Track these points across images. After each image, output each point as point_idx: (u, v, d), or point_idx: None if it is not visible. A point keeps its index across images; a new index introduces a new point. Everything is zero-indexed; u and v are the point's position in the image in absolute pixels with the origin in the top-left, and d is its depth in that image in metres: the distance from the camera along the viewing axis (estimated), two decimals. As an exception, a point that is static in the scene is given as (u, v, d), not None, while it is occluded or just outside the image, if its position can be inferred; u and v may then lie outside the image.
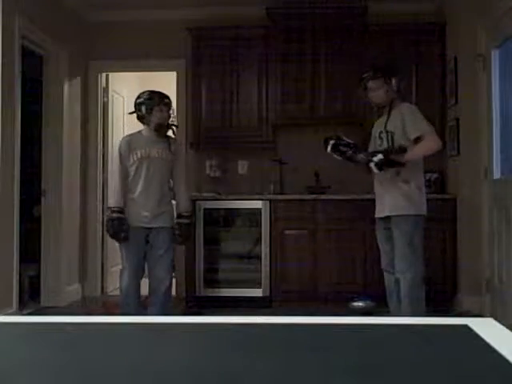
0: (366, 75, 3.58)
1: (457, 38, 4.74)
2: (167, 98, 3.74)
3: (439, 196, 4.83)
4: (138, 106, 3.71)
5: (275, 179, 5.29)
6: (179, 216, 3.78)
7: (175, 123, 3.80)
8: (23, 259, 4.52)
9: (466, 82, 4.58)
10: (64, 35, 5.08)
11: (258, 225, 4.80)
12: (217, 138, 5.20)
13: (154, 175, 3.66)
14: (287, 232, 4.79)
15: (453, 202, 4.71)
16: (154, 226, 3.68)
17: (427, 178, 5.01)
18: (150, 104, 3.66)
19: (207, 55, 5.20)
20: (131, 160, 3.65)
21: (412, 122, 3.40)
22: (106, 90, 5.76)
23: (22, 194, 4.42)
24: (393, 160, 3.37)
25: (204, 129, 5.18)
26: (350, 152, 3.50)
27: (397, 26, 5.06)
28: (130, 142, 3.71)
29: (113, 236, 3.65)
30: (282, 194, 5.14)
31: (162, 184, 3.71)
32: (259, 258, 4.79)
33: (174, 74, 5.57)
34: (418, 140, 3.40)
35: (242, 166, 5.45)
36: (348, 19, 5.05)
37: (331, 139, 3.56)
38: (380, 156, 3.36)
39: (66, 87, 5.09)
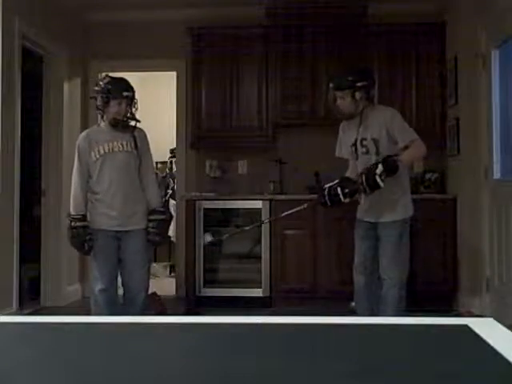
0: (330, 85, 3.44)
1: (457, 38, 4.74)
2: (129, 89, 3.25)
3: (439, 196, 4.83)
4: (95, 93, 3.28)
5: (275, 179, 5.28)
6: (152, 212, 3.34)
7: (137, 118, 3.30)
8: (23, 259, 4.52)
9: (465, 82, 4.58)
10: (64, 35, 5.08)
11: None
12: (217, 138, 5.20)
13: (120, 171, 3.26)
14: (287, 232, 4.79)
15: (453, 202, 4.71)
16: (125, 229, 3.28)
17: (427, 177, 5.01)
18: (108, 95, 3.21)
19: (207, 55, 5.20)
20: (93, 157, 3.25)
21: (400, 130, 3.33)
22: (105, 90, 5.75)
23: (22, 193, 4.42)
24: (391, 169, 3.21)
25: (204, 129, 5.18)
26: (349, 189, 3.30)
27: (397, 26, 5.06)
28: (89, 138, 3.29)
29: (76, 248, 3.30)
30: (281, 193, 5.14)
31: (131, 181, 3.30)
32: (259, 257, 4.78)
33: (174, 74, 5.57)
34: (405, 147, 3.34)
35: (242, 166, 5.45)
36: (348, 19, 5.05)
37: (331, 191, 3.39)
38: (380, 167, 3.16)
39: (65, 87, 5.09)
